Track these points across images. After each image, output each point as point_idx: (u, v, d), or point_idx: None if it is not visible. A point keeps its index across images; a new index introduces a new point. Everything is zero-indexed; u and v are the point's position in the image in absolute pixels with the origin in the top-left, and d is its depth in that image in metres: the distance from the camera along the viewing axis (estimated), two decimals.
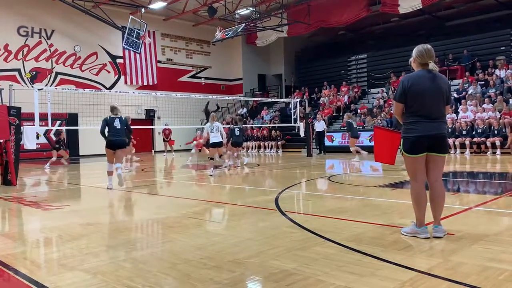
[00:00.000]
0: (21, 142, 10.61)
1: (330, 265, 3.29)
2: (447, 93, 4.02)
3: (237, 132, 13.04)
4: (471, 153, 15.61)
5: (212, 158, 11.32)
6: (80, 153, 22.41)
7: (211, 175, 10.50)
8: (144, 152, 23.33)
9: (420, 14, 23.33)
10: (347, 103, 22.95)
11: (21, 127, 10.52)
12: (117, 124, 8.61)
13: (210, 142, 11.22)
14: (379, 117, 19.36)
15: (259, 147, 22.53)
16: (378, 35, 27.20)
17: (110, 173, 8.74)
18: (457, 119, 16.93)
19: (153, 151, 25.09)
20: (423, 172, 4.05)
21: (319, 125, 19.05)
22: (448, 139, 4.25)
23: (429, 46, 4.04)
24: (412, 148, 3.98)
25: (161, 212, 6.13)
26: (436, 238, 3.95)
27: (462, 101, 17.62)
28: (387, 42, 25.22)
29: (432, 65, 3.98)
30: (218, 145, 11.14)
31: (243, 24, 22.48)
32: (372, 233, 4.29)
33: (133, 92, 19.41)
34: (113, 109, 8.83)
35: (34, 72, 21.33)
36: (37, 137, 17.10)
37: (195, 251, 3.79)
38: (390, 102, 20.36)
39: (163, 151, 22.49)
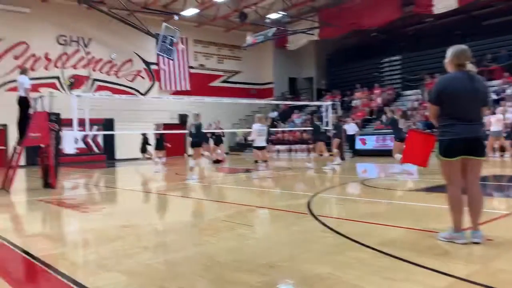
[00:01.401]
0: (61, 147, 10.99)
1: (363, 269, 3.25)
2: (484, 95, 3.90)
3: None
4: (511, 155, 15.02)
5: (257, 161, 11.33)
6: (117, 157, 23.00)
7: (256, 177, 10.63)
8: (176, 156, 23.68)
9: (455, 14, 22.68)
10: (381, 105, 22.58)
11: (61, 132, 10.90)
12: (193, 128, 10.83)
13: (256, 145, 11.22)
14: (413, 119, 18.93)
15: (290, 150, 22.46)
16: (411, 36, 26.65)
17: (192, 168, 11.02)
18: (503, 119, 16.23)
19: (185, 154, 25.45)
20: (459, 176, 3.94)
21: (350, 128, 18.72)
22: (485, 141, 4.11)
23: (465, 46, 3.93)
24: (448, 151, 3.88)
25: (194, 215, 6.21)
26: (475, 243, 3.83)
27: (501, 102, 17.01)
28: (421, 43, 24.68)
29: (470, 66, 3.87)
30: (263, 148, 11.14)
31: (274, 29, 22.53)
32: (407, 237, 4.20)
33: (167, 98, 19.76)
34: (195, 116, 11.12)
35: (72, 79, 22.08)
36: (76, 142, 17.69)
37: (227, 254, 3.83)
38: (425, 105, 19.90)
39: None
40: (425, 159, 4.38)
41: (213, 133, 17.69)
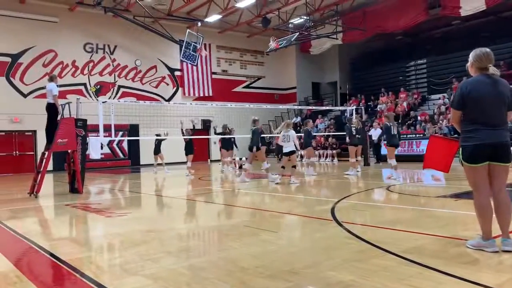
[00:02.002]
0: (87, 152, 11.22)
1: (389, 277, 3.18)
2: (509, 99, 3.78)
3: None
4: None
5: (283, 167, 11.14)
6: (141, 162, 23.31)
7: (292, 183, 10.47)
8: (200, 162, 23.84)
9: (483, 16, 22.18)
10: (407, 110, 22.22)
11: (87, 138, 11.13)
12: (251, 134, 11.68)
13: (282, 151, 11.32)
14: (439, 124, 18.57)
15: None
16: (438, 39, 26.19)
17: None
18: None
19: (209, 160, 25.58)
20: (486, 182, 3.82)
21: (376, 133, 18.38)
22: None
23: (487, 49, 3.82)
24: (472, 157, 3.78)
25: (218, 220, 6.23)
26: (506, 252, 3.70)
27: None
28: (447, 46, 24.21)
29: (492, 69, 3.77)
30: (289, 154, 10.89)
31: (297, 33, 22.50)
32: (434, 245, 4.10)
33: (190, 103, 19.94)
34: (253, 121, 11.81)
35: (98, 86, 22.56)
36: (101, 148, 18.03)
37: (251, 260, 3.81)
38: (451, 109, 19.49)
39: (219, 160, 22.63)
40: (447, 165, 4.26)
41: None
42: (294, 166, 10.97)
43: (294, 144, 10.84)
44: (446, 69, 23.24)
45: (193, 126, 16.04)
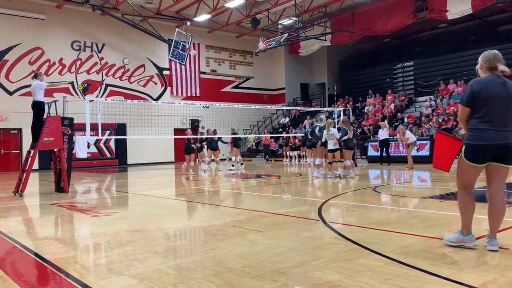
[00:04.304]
0: (73, 151, 11.10)
1: (375, 277, 3.20)
2: None
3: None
4: None
5: (331, 163, 11.96)
6: (128, 162, 23.15)
7: (339, 176, 11.46)
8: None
9: (469, 20, 22.50)
10: (394, 111, 22.40)
11: (73, 137, 11.01)
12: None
13: (328, 148, 11.83)
14: (427, 126, 18.75)
15: (300, 156, 22.30)
16: (425, 41, 26.49)
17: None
18: None
19: (197, 160, 25.47)
20: (474, 183, 3.86)
21: (383, 133, 17.43)
22: None
23: (496, 51, 3.84)
24: (475, 157, 3.77)
25: (205, 220, 6.20)
26: (490, 251, 3.76)
27: None
28: (435, 48, 24.50)
29: (502, 67, 3.76)
30: (335, 151, 11.70)
31: (286, 34, 22.56)
32: (420, 245, 4.13)
33: (179, 103, 19.87)
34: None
35: (86, 84, 22.34)
36: (88, 147, 17.86)
37: (238, 260, 3.80)
38: (438, 111, 19.70)
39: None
40: (449, 164, 4.18)
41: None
42: (330, 163, 11.92)
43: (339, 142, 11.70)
44: (433, 71, 23.53)
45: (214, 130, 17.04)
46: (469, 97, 3.80)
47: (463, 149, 3.87)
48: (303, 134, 13.98)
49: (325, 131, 11.77)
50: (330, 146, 11.68)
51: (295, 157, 22.49)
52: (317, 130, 12.72)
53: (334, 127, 11.93)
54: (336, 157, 11.78)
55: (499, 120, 3.72)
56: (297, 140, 23.00)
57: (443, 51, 23.13)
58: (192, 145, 15.51)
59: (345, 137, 11.68)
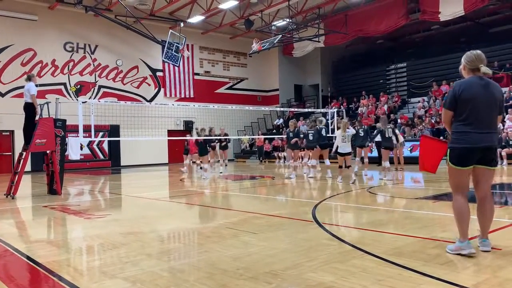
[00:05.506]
0: (66, 153, 11.03)
1: (369, 278, 3.21)
2: (500, 102, 3.79)
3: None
4: None
5: (341, 167, 11.16)
6: (122, 164, 23.05)
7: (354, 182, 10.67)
8: (181, 163, 23.70)
9: (462, 21, 22.67)
10: (387, 112, 22.50)
11: (66, 139, 10.94)
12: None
13: (339, 151, 10.95)
14: (419, 126, 18.85)
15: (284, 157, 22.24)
16: (418, 43, 26.65)
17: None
18: (503, 128, 16.24)
19: (190, 161, 25.42)
20: (468, 185, 3.85)
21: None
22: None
23: (478, 51, 3.82)
24: (460, 160, 3.77)
25: (199, 222, 6.19)
26: (483, 252, 3.78)
27: (509, 110, 16.91)
28: (427, 50, 24.65)
29: (484, 69, 3.73)
30: (348, 154, 10.89)
31: (280, 35, 22.59)
32: (413, 246, 4.15)
33: (172, 104, 19.81)
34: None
35: (78, 86, 22.22)
36: (81, 148, 17.76)
37: (231, 262, 3.80)
38: (431, 112, 19.82)
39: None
40: (435, 165, 4.20)
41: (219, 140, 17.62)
42: (340, 167, 11.14)
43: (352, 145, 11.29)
44: (425, 72, 23.67)
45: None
46: (451, 100, 3.80)
47: (448, 153, 3.87)
48: (286, 136, 13.77)
49: (339, 132, 10.94)
50: (345, 149, 10.77)
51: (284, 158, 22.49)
52: (323, 132, 12.70)
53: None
54: (347, 161, 10.92)
55: (482, 122, 3.71)
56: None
57: (436, 53, 23.27)
58: (208, 147, 15.01)
59: (378, 138, 11.40)
